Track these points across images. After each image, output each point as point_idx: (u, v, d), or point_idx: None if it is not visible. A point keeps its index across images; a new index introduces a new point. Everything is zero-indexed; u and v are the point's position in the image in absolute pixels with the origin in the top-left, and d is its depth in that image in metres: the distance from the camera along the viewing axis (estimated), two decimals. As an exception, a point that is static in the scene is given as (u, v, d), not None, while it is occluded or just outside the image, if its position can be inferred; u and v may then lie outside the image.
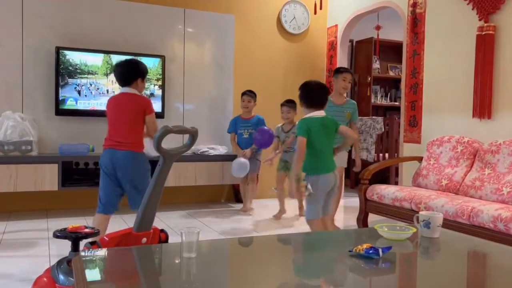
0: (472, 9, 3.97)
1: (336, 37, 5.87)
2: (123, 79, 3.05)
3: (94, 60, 4.66)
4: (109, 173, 2.96)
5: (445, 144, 4.00)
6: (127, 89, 3.03)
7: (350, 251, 1.61)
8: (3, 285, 2.65)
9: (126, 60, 3.12)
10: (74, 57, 4.58)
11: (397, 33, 5.77)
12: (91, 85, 4.66)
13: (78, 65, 4.60)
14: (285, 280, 1.50)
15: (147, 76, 3.42)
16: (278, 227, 4.25)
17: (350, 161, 4.42)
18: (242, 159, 4.59)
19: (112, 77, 4.72)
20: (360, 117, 6.50)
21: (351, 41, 6.85)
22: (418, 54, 4.53)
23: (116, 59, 4.72)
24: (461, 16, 4.08)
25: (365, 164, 4.95)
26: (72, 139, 4.62)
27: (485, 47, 3.81)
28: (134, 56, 4.79)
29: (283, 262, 1.73)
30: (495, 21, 3.81)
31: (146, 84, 3.89)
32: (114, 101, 3.09)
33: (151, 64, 4.86)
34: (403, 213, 3.62)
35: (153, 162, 2.61)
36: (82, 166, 4.53)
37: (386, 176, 5.96)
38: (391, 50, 7.11)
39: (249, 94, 4.89)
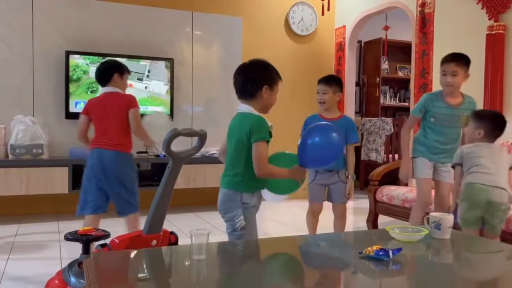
0: (482, 8, 3.94)
1: (344, 38, 5.85)
2: (100, 78, 3.04)
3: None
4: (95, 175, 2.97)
5: (455, 144, 3.96)
6: (107, 88, 3.00)
7: (360, 252, 1.60)
8: (15, 287, 2.67)
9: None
10: (83, 61, 4.62)
11: (406, 33, 5.74)
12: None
13: (87, 69, 4.64)
14: (295, 282, 1.50)
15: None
16: (288, 229, 4.24)
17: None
18: None
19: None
20: (369, 118, 6.48)
21: (359, 42, 6.83)
22: (427, 54, 4.50)
23: (125, 62, 4.75)
24: (471, 15, 4.05)
25: (375, 165, 4.93)
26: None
27: (495, 46, 3.79)
28: (144, 59, 4.84)
29: (293, 264, 1.73)
30: (505, 20, 3.78)
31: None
32: (96, 102, 3.04)
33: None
34: (413, 214, 3.59)
35: (162, 166, 2.61)
36: (92, 169, 4.55)
37: (396, 177, 5.91)
38: (400, 51, 7.07)
39: (327, 82, 3.13)
